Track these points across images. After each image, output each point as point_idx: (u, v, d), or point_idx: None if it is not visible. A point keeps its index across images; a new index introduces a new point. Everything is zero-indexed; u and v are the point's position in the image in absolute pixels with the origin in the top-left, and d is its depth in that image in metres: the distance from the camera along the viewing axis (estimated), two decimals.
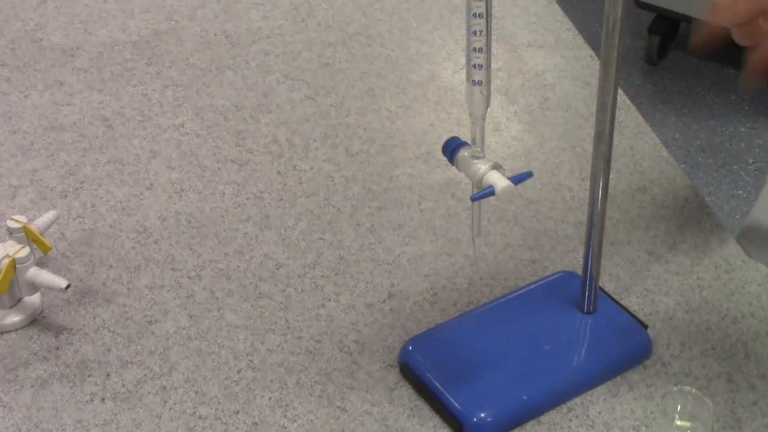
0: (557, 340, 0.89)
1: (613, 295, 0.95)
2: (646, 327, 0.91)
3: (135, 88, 1.23)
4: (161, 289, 0.95)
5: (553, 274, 0.97)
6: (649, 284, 0.98)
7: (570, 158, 1.14)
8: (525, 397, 0.84)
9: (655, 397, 0.86)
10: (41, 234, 0.94)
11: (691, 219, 1.06)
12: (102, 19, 1.36)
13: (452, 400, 0.83)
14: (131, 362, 0.88)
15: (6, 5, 1.38)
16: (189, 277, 0.97)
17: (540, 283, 0.95)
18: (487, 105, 0.79)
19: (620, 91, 1.10)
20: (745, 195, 2.65)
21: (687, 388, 0.80)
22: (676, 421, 0.79)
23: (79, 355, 0.88)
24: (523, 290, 0.95)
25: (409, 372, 0.86)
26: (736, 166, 2.76)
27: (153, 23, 1.35)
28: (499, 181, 0.78)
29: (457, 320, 0.91)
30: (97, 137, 1.15)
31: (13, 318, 0.91)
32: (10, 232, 0.92)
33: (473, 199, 0.80)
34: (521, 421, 0.84)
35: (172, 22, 1.36)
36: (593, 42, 1.21)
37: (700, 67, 3.15)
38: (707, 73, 3.12)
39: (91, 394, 0.85)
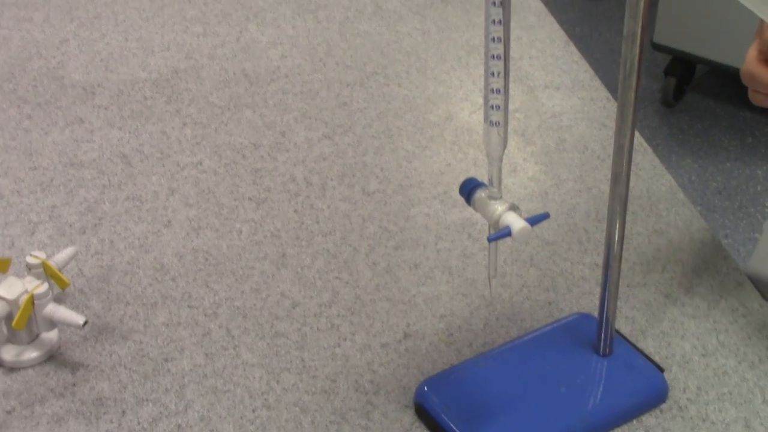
0: (573, 383, 0.88)
1: (629, 338, 0.95)
2: (662, 370, 0.91)
3: (154, 125, 1.24)
4: (177, 327, 0.96)
5: (569, 316, 0.97)
6: (665, 327, 0.97)
7: (586, 200, 1.14)
8: None
9: None
10: (59, 270, 0.94)
11: (707, 262, 1.06)
12: (123, 57, 1.37)
13: None
14: (147, 400, 0.88)
15: (29, 43, 1.39)
16: (205, 315, 0.97)
17: (556, 324, 0.95)
18: (504, 146, 0.79)
19: (636, 133, 1.10)
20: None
21: None
22: None
23: (95, 392, 0.89)
24: (538, 332, 0.94)
25: (424, 413, 0.86)
26: (752, 209, 2.75)
27: (173, 62, 1.37)
28: (515, 222, 0.78)
29: (472, 361, 0.91)
30: (116, 174, 1.16)
31: (31, 354, 0.91)
32: (29, 267, 0.93)
33: (490, 240, 0.80)
34: None
35: (192, 61, 1.37)
36: (610, 84, 1.22)
37: (716, 109, 3.15)
38: (723, 116, 3.13)
39: (107, 431, 0.85)
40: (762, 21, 0.85)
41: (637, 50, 0.76)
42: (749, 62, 0.87)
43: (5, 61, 1.36)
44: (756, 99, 0.89)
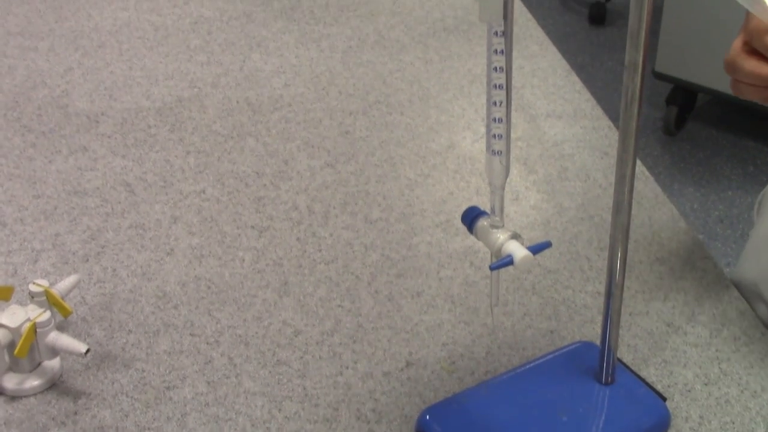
0: (575, 412, 0.88)
1: (631, 366, 0.95)
2: (664, 399, 0.90)
3: (158, 153, 1.25)
4: (179, 355, 0.96)
5: (571, 345, 0.96)
6: (667, 356, 0.97)
7: (588, 228, 1.14)
8: None
9: None
10: (62, 298, 0.94)
11: (709, 290, 1.06)
12: (127, 86, 1.38)
13: None
14: (149, 428, 0.88)
15: (34, 72, 1.40)
16: (207, 343, 0.97)
17: (558, 353, 0.95)
18: (507, 174, 0.80)
19: (638, 162, 1.11)
20: None
21: None
22: None
23: (97, 421, 0.88)
24: (541, 360, 0.94)
25: None
26: None
27: (176, 90, 1.37)
28: (517, 250, 0.78)
29: (474, 390, 0.91)
30: (120, 202, 1.16)
31: (33, 382, 0.91)
32: (32, 295, 0.93)
33: (492, 269, 0.80)
34: None
35: (196, 90, 1.38)
36: (612, 112, 1.22)
37: (717, 138, 3.16)
38: (725, 144, 3.13)
39: None
40: (748, 12, 0.85)
41: (638, 80, 0.77)
42: (733, 51, 0.87)
43: (10, 89, 1.37)
44: (737, 90, 0.89)
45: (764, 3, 0.82)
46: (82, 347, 0.89)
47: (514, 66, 1.42)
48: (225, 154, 1.25)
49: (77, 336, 0.96)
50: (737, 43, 0.88)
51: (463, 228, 0.82)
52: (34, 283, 0.93)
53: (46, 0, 1.57)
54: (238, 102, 1.36)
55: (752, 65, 0.86)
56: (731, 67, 0.88)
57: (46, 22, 1.52)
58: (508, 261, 0.78)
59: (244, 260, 1.08)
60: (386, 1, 1.59)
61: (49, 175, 1.20)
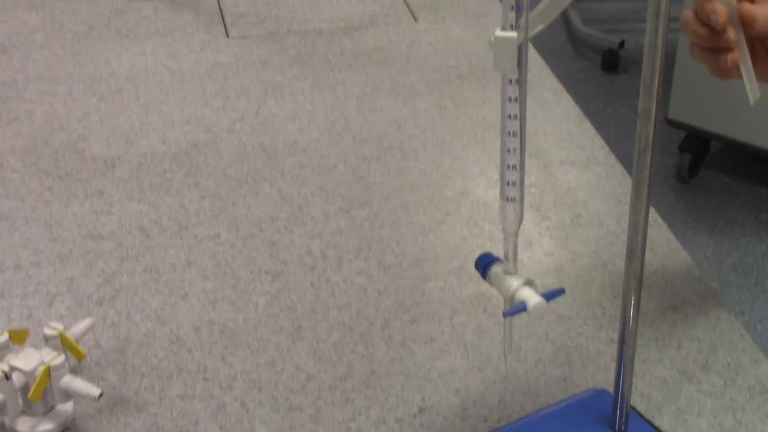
0: None
1: (645, 415, 0.94)
2: None
3: (173, 198, 1.26)
4: (192, 399, 0.96)
5: (584, 392, 0.96)
6: (681, 404, 0.97)
7: (602, 275, 1.14)
8: None
9: None
10: (76, 341, 0.95)
11: (723, 338, 1.05)
12: (143, 131, 1.39)
13: None
14: None
15: (52, 117, 1.42)
16: (220, 388, 0.97)
17: (571, 400, 0.95)
18: (520, 221, 0.80)
19: (652, 209, 1.11)
20: None
21: None
22: None
23: None
24: (554, 407, 0.94)
25: None
26: None
27: (192, 135, 1.38)
28: (531, 297, 0.78)
29: None
30: (134, 246, 1.17)
31: (46, 426, 0.91)
32: (47, 339, 0.93)
33: (505, 315, 0.80)
34: None
35: (211, 135, 1.39)
36: (625, 159, 1.23)
37: (731, 185, 3.16)
38: (738, 192, 3.13)
39: None
40: None
41: (651, 127, 0.77)
42: (685, 13, 0.88)
43: (28, 134, 1.38)
44: (692, 52, 0.90)
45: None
46: (96, 391, 0.89)
47: (528, 113, 1.43)
48: (239, 198, 1.26)
49: (91, 380, 0.96)
50: (689, 11, 0.89)
51: (476, 274, 0.83)
52: (48, 327, 0.93)
53: (66, 46, 1.59)
54: (253, 147, 1.36)
55: (696, 26, 0.87)
56: (682, 26, 0.89)
57: (64, 68, 1.53)
58: (522, 307, 0.78)
59: (257, 305, 1.08)
60: (401, 47, 1.60)
61: (65, 218, 1.21)
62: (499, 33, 0.74)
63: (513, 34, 0.74)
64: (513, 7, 0.74)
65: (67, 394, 0.92)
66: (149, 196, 1.26)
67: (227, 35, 1.63)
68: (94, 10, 1.69)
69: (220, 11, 1.70)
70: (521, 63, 0.76)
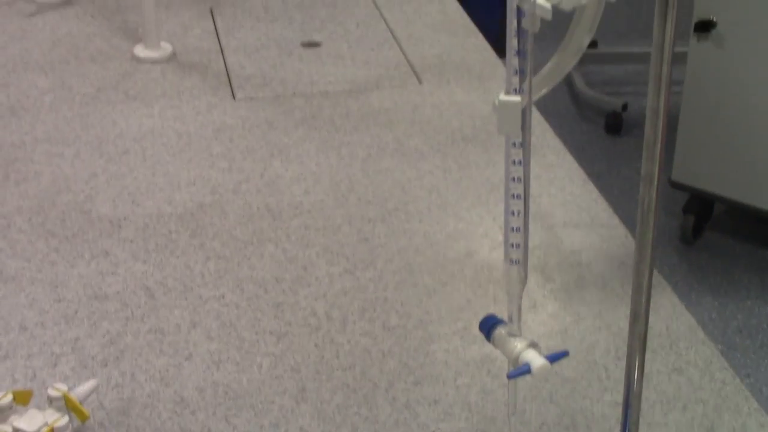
0: None
1: None
2: None
3: (178, 259, 1.26)
4: None
5: None
6: None
7: (606, 337, 1.14)
8: None
9: None
10: (80, 402, 0.95)
11: (728, 401, 1.05)
12: (149, 192, 1.40)
13: None
14: None
15: (59, 178, 1.43)
16: None
17: None
18: (524, 283, 0.80)
19: (655, 271, 1.11)
20: None
21: None
22: None
23: None
24: None
25: None
26: None
27: (198, 196, 1.39)
28: (535, 359, 0.78)
29: None
30: (139, 307, 1.17)
31: None
32: (51, 400, 0.93)
33: (510, 377, 0.80)
34: None
35: (217, 196, 1.40)
36: (629, 221, 1.23)
37: (735, 247, 3.16)
38: (743, 254, 3.13)
39: None
40: None
41: (654, 191, 0.78)
42: None
43: (36, 194, 1.39)
44: None
45: None
46: None
47: (532, 175, 1.44)
48: (245, 259, 1.26)
49: None
50: None
51: (480, 336, 0.83)
52: (52, 388, 0.93)
53: (74, 108, 1.60)
54: (258, 208, 1.37)
55: None
56: None
57: (72, 130, 1.55)
58: (526, 370, 0.78)
59: (261, 366, 1.08)
60: (405, 110, 1.62)
61: (70, 279, 1.22)
62: (503, 97, 0.75)
63: (517, 98, 0.75)
64: (517, 72, 0.75)
65: None
66: (155, 257, 1.26)
67: (234, 97, 1.64)
68: (103, 73, 1.71)
69: (227, 74, 1.72)
70: (525, 126, 0.77)
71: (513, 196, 0.78)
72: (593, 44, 4.03)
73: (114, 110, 1.61)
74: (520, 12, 0.75)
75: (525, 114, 0.76)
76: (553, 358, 0.79)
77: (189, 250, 1.28)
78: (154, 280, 1.22)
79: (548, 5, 0.75)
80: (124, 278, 1.22)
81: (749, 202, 2.93)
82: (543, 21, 0.78)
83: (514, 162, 0.78)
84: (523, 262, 0.80)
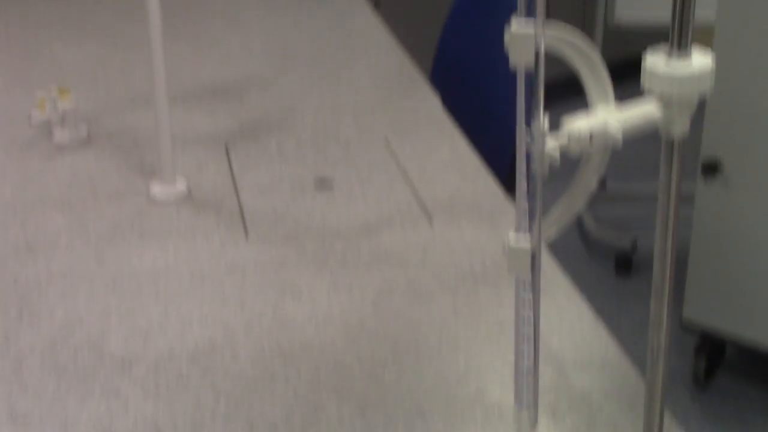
0: None
1: None
2: None
3: (189, 398, 1.26)
4: None
5: None
6: None
7: None
8: None
9: None
10: None
11: None
12: (161, 330, 1.41)
13: None
14: None
15: (72, 315, 1.44)
16: None
17: None
18: (535, 426, 0.80)
19: (667, 414, 1.10)
20: None
21: None
22: None
23: None
24: None
25: None
26: None
27: (209, 335, 1.40)
28: None
29: None
30: None
31: None
32: None
33: None
34: None
35: (228, 334, 1.40)
36: (640, 361, 1.23)
37: (748, 390, 3.13)
38: (756, 397, 3.10)
39: None
40: None
41: (663, 335, 0.79)
42: None
43: (48, 332, 1.40)
44: None
45: None
46: None
47: (542, 315, 1.44)
48: (255, 399, 1.26)
49: None
50: None
51: None
52: None
53: (89, 246, 1.63)
54: (269, 347, 1.38)
55: None
56: None
57: (86, 267, 1.57)
58: None
59: None
60: (416, 250, 1.63)
61: (80, 418, 1.21)
62: (513, 243, 0.76)
63: (527, 243, 0.76)
64: (526, 214, 0.77)
65: None
66: (165, 396, 1.26)
67: (246, 236, 1.67)
68: (119, 212, 1.73)
69: (241, 212, 1.74)
70: (534, 268, 0.78)
71: (523, 338, 0.79)
72: (602, 184, 4.08)
73: (129, 246, 1.63)
74: (529, 156, 0.78)
75: (534, 256, 0.77)
76: None
77: (199, 389, 1.28)
78: (163, 419, 1.22)
79: (557, 152, 0.77)
80: (134, 418, 1.22)
81: (761, 344, 2.92)
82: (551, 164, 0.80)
83: (523, 304, 0.79)
84: (534, 406, 0.80)
